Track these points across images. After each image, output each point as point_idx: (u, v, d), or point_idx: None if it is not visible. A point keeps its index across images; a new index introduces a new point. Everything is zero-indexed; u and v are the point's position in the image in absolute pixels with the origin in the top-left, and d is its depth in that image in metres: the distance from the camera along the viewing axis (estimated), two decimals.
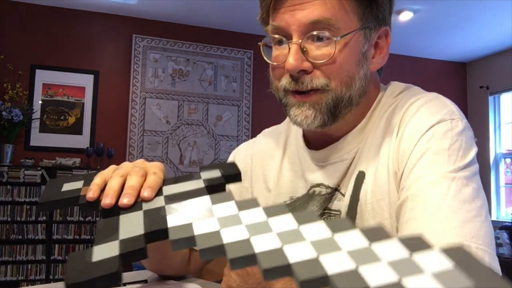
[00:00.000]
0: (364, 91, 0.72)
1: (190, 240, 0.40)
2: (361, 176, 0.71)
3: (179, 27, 4.54)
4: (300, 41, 0.67)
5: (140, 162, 0.58)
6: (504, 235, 4.26)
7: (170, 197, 0.50)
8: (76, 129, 4.14)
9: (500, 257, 0.66)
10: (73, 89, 4.17)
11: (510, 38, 4.75)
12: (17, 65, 3.95)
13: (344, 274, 0.30)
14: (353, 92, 0.70)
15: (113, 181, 0.52)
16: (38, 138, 4.03)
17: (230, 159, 0.95)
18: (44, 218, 3.70)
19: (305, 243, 0.35)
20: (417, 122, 0.66)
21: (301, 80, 0.68)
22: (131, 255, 0.40)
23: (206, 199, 0.47)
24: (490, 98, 5.34)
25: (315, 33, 0.66)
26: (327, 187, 0.75)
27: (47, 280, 3.58)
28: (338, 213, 0.74)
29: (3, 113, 3.71)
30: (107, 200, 0.49)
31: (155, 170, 0.55)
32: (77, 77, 4.18)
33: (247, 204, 0.44)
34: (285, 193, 0.80)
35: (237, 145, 0.99)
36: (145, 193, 0.50)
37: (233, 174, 0.55)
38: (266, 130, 0.95)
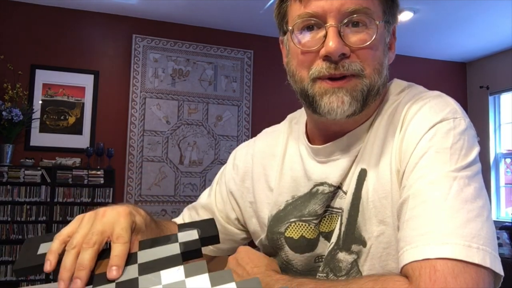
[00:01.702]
0: (385, 82, 0.73)
1: None
2: (363, 174, 0.71)
3: (179, 27, 4.54)
4: (340, 25, 0.66)
5: (99, 218, 0.55)
6: (504, 235, 4.26)
7: (144, 266, 0.50)
8: (76, 129, 4.14)
9: (500, 257, 0.66)
10: (73, 89, 4.17)
11: (510, 38, 4.75)
12: (17, 65, 3.95)
13: None
14: (381, 80, 0.71)
15: (67, 259, 0.52)
16: (38, 138, 4.02)
17: (230, 159, 0.94)
18: (44, 218, 3.70)
19: None
20: (419, 120, 0.66)
21: (341, 64, 0.67)
22: None
23: (180, 270, 0.48)
24: (490, 98, 5.34)
25: (353, 17, 0.67)
26: (330, 185, 0.74)
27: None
28: (340, 211, 0.74)
29: (3, 113, 3.71)
30: (61, 286, 0.50)
31: (119, 231, 0.54)
32: (77, 77, 4.17)
33: (220, 279, 0.45)
34: (287, 192, 0.80)
35: (237, 145, 0.99)
36: (113, 272, 0.50)
37: (210, 236, 0.55)
38: (267, 129, 0.94)
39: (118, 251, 0.52)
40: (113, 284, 0.48)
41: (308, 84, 0.70)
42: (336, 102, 0.68)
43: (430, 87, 0.76)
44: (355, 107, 0.69)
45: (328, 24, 0.66)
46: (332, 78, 0.68)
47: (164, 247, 0.52)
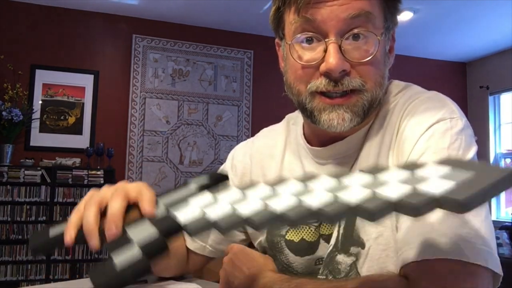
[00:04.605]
0: (385, 91, 0.72)
1: (209, 226, 0.41)
2: None
3: (179, 27, 4.53)
4: (340, 39, 0.64)
5: (122, 184, 0.54)
6: (504, 235, 4.26)
7: (169, 204, 0.49)
8: (76, 129, 4.14)
9: (500, 257, 0.66)
10: (73, 89, 4.17)
11: (510, 38, 4.74)
12: (17, 65, 3.95)
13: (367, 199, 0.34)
14: (382, 92, 0.70)
15: (89, 213, 0.49)
16: (38, 138, 4.02)
17: (229, 159, 0.94)
18: (44, 218, 3.70)
19: (320, 192, 0.38)
20: (416, 121, 0.66)
21: (341, 81, 0.65)
22: (154, 252, 0.43)
23: (205, 193, 0.48)
24: (490, 98, 5.34)
25: (355, 31, 0.64)
26: None
27: (47, 280, 3.58)
28: None
29: (3, 113, 3.71)
30: (92, 241, 0.48)
31: (146, 193, 0.52)
32: (77, 77, 4.17)
33: (249, 186, 0.45)
34: None
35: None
36: (146, 208, 0.49)
37: (221, 176, 0.55)
38: (264, 129, 0.94)
39: (148, 196, 0.51)
40: (146, 221, 0.47)
41: (306, 98, 0.68)
42: (337, 119, 0.66)
43: (430, 87, 0.75)
44: (356, 122, 0.68)
45: (328, 40, 0.64)
46: (330, 95, 0.66)
47: (181, 190, 0.52)
